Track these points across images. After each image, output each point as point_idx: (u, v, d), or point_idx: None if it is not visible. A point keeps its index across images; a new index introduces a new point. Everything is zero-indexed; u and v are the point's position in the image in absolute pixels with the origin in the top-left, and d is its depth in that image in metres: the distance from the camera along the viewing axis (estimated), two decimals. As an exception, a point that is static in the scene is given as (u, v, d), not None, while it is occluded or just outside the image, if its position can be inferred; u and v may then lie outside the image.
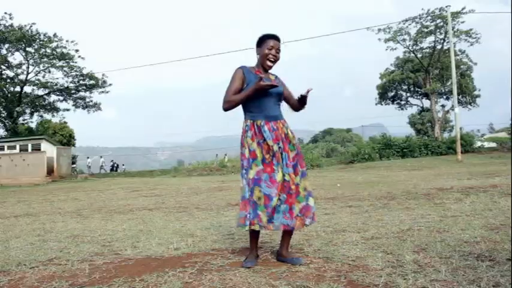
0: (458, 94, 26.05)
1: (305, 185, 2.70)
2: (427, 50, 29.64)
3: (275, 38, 2.75)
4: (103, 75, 31.43)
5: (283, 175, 2.63)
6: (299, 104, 2.79)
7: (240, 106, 2.77)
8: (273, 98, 2.73)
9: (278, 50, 2.75)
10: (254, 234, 2.74)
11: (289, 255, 2.74)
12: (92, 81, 31.48)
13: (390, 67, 34.57)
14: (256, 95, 2.66)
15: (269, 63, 2.75)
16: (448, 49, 23.92)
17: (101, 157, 37.75)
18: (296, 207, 2.64)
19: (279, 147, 2.66)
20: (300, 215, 2.64)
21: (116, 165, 38.96)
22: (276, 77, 2.87)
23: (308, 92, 2.70)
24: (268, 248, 3.14)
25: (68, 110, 33.07)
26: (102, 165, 36.15)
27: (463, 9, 25.36)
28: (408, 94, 34.96)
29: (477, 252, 2.67)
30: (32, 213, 6.92)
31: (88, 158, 37.30)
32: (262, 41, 2.76)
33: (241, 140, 2.76)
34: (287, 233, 2.77)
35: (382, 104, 35.28)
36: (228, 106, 2.70)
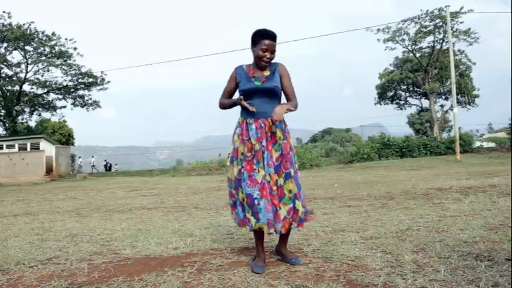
0: (457, 94, 26.04)
1: (290, 188, 2.60)
2: (426, 50, 29.68)
3: (270, 37, 2.65)
4: (102, 72, 31.42)
5: (265, 175, 2.56)
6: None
7: None
8: (263, 95, 2.68)
9: (273, 51, 2.68)
10: (258, 236, 2.67)
11: (288, 254, 2.72)
12: (90, 79, 31.45)
13: (389, 67, 34.62)
14: (244, 94, 2.68)
15: (263, 65, 2.71)
16: (447, 49, 23.93)
17: (92, 157, 37.84)
18: (283, 209, 2.58)
19: (262, 146, 2.61)
20: (288, 217, 2.59)
21: (109, 164, 39.02)
22: (275, 70, 2.74)
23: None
24: (267, 248, 3.14)
25: (64, 107, 33.08)
26: (93, 165, 36.15)
27: (461, 9, 25.42)
28: (407, 94, 35.03)
29: (476, 252, 2.67)
30: (31, 212, 6.92)
31: (80, 157, 37.34)
32: (257, 39, 2.68)
33: (232, 138, 2.79)
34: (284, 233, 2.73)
35: (381, 104, 35.33)
36: (220, 107, 2.86)
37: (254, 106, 2.63)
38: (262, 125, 2.65)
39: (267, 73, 2.74)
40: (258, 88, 2.67)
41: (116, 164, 41.80)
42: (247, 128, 2.67)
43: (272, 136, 2.66)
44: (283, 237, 2.77)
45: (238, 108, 2.81)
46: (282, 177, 2.62)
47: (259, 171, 2.57)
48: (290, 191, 2.61)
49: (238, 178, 2.63)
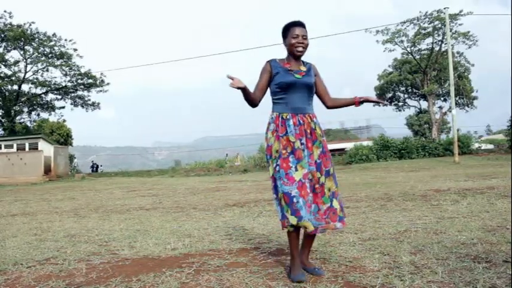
0: (456, 96, 26.09)
1: (329, 186, 2.53)
2: (425, 52, 29.75)
3: (299, 24, 2.57)
4: (101, 74, 31.38)
5: (306, 174, 2.44)
6: (357, 104, 2.67)
7: (269, 98, 2.65)
8: (302, 90, 2.55)
9: (304, 36, 2.56)
10: (294, 237, 2.46)
11: (310, 264, 2.57)
12: (90, 80, 31.40)
13: (388, 68, 34.68)
14: (282, 87, 2.52)
15: (298, 51, 2.55)
16: (446, 51, 24.00)
17: (75, 158, 38.03)
18: (323, 208, 2.50)
19: (301, 144, 2.47)
20: (324, 217, 2.50)
21: (95, 165, 39.16)
22: (310, 67, 2.65)
23: (378, 102, 2.83)
24: (265, 249, 3.15)
25: (63, 107, 33.04)
26: (75, 166, 36.21)
27: (460, 11, 25.50)
28: (406, 95, 35.08)
29: (474, 253, 2.68)
30: (29, 212, 6.90)
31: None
32: (286, 30, 2.59)
33: (265, 135, 2.61)
34: (309, 239, 2.58)
35: (379, 105, 35.36)
36: (250, 105, 2.61)
37: (242, 84, 2.43)
38: (301, 121, 2.52)
39: (303, 68, 2.62)
40: (298, 82, 2.53)
41: (101, 165, 42.13)
42: (284, 124, 2.51)
43: (312, 133, 2.55)
44: (307, 247, 2.60)
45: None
46: (323, 175, 2.53)
47: (296, 170, 2.41)
48: (329, 189, 2.54)
49: (274, 177, 2.48)
